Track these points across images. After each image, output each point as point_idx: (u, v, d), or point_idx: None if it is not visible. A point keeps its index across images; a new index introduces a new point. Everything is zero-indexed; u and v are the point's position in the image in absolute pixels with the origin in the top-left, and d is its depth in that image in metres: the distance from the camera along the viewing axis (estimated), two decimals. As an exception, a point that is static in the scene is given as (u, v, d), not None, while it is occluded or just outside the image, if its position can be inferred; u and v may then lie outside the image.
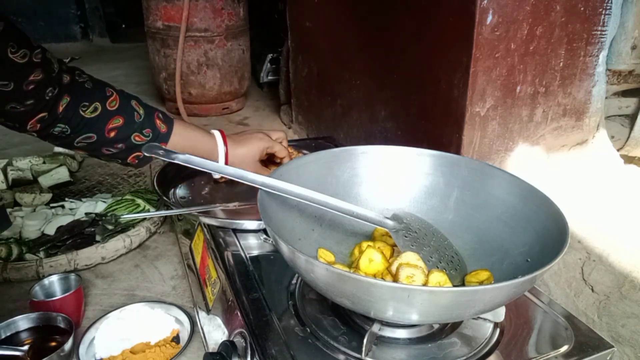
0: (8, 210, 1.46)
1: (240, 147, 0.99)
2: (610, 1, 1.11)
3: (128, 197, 1.49)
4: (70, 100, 0.81)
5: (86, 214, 1.42)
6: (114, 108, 0.86)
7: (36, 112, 0.79)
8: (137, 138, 0.88)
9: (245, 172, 0.76)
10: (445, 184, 0.85)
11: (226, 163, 0.97)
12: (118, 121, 0.86)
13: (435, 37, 1.12)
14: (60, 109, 0.81)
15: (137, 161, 0.92)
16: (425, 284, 0.65)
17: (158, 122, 0.90)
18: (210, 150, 0.96)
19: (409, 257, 0.68)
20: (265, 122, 2.44)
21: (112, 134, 0.86)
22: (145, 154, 0.81)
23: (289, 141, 1.32)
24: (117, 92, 0.88)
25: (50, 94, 0.79)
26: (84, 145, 0.87)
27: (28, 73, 0.75)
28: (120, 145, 0.88)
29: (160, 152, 0.81)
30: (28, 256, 1.26)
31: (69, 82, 0.82)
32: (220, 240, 0.92)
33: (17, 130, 0.83)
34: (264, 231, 0.92)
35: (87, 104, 0.83)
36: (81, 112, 0.83)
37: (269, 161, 1.10)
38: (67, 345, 0.91)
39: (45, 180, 1.65)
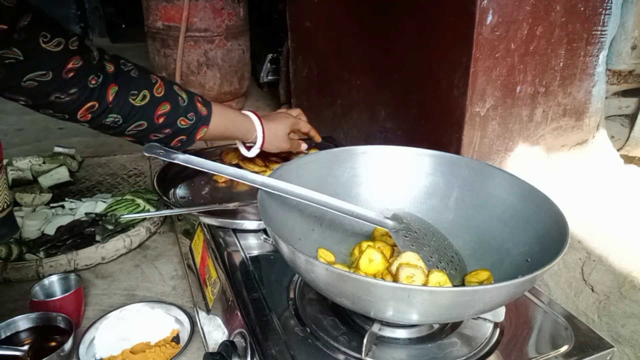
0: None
1: (272, 123, 1.04)
2: (610, 1, 1.11)
3: (128, 197, 1.49)
4: (118, 89, 0.81)
5: (86, 214, 1.42)
6: (161, 95, 0.87)
7: (83, 101, 0.78)
8: (182, 122, 0.90)
9: (245, 172, 0.76)
10: (445, 184, 0.85)
11: (263, 139, 1.02)
12: (165, 107, 0.87)
13: (435, 37, 1.12)
14: (110, 98, 0.81)
15: (180, 144, 0.94)
16: (425, 284, 0.65)
17: (199, 105, 0.92)
18: (248, 127, 1.01)
19: (409, 257, 0.68)
20: (265, 122, 2.44)
21: (161, 120, 0.87)
22: (146, 154, 0.81)
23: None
24: (160, 79, 0.89)
25: (94, 82, 0.78)
26: (134, 133, 0.87)
27: (65, 61, 0.74)
28: (167, 130, 0.89)
29: (160, 152, 0.81)
30: (28, 256, 1.26)
31: (114, 71, 0.82)
32: (220, 240, 0.92)
33: (69, 121, 0.81)
34: (264, 231, 0.92)
35: (135, 92, 0.83)
36: (131, 101, 0.83)
37: (273, 156, 1.15)
38: (67, 345, 0.91)
39: (45, 180, 1.65)
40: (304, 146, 1.15)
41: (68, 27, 0.77)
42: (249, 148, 1.06)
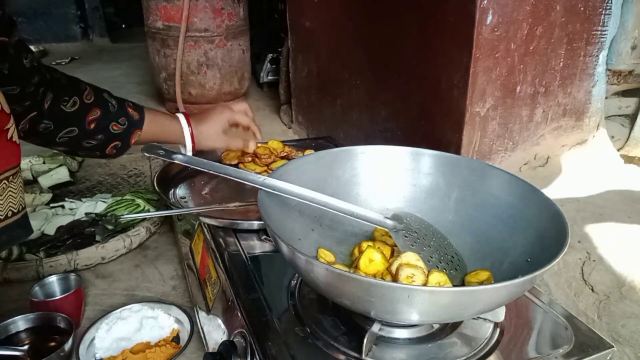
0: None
1: (203, 125, 1.04)
2: (610, 1, 1.11)
3: (128, 197, 1.49)
4: (52, 97, 0.83)
5: (86, 214, 1.42)
6: (91, 101, 0.89)
7: (29, 112, 0.81)
8: (114, 127, 0.91)
9: (245, 172, 0.76)
10: (445, 184, 0.85)
11: (193, 142, 1.03)
12: (96, 113, 0.89)
13: (435, 37, 1.12)
14: (46, 105, 0.83)
15: (115, 151, 0.96)
16: (425, 284, 0.65)
17: (130, 110, 0.94)
18: (178, 131, 1.01)
19: (409, 257, 0.68)
20: (265, 122, 2.44)
21: (92, 126, 0.89)
22: (146, 154, 0.81)
23: (288, 141, 1.33)
24: (89, 86, 0.91)
25: (42, 94, 0.81)
26: (66, 140, 0.89)
27: (32, 77, 0.77)
28: (100, 136, 0.91)
29: (161, 152, 0.81)
30: (28, 256, 1.26)
31: (50, 79, 0.84)
32: (220, 240, 0.92)
33: None
34: (264, 231, 0.92)
35: (67, 98, 0.85)
36: (62, 107, 0.85)
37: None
38: (67, 345, 0.91)
39: (45, 180, 1.65)
40: (251, 145, 1.11)
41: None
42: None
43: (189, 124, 1.02)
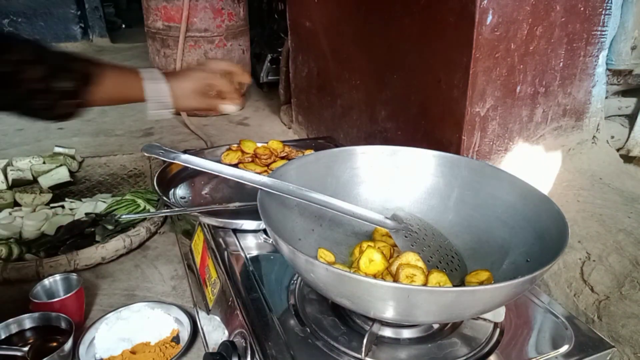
0: (8, 210, 1.46)
1: (177, 80, 0.92)
2: (610, 1, 1.11)
3: (128, 197, 1.49)
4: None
5: (86, 214, 1.42)
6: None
7: None
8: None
9: (245, 172, 0.76)
10: (445, 184, 0.85)
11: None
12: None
13: (435, 37, 1.12)
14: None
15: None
16: (425, 284, 0.65)
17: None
18: (142, 86, 0.89)
19: (409, 257, 0.68)
20: (266, 122, 2.44)
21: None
22: (146, 154, 0.81)
23: (288, 141, 1.32)
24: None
25: None
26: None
27: None
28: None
29: (161, 152, 0.81)
30: (28, 256, 1.26)
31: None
32: (220, 240, 0.92)
33: None
34: (264, 231, 0.92)
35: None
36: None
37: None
38: (67, 346, 0.91)
39: (45, 180, 1.65)
40: (229, 108, 0.97)
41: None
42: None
43: (165, 77, 0.90)
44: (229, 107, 0.97)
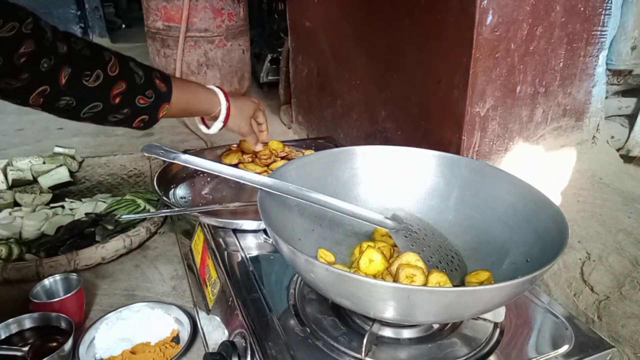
0: (8, 210, 1.46)
1: (238, 101, 1.04)
2: (610, 1, 1.11)
3: (128, 197, 1.49)
4: (71, 71, 0.77)
5: (86, 214, 1.42)
6: (115, 73, 0.83)
7: (35, 85, 0.74)
8: (141, 101, 0.86)
9: (245, 172, 0.76)
10: (445, 184, 0.85)
11: (227, 114, 1.01)
12: (121, 86, 0.83)
13: (435, 37, 1.12)
14: (63, 80, 0.76)
15: (142, 124, 0.91)
16: (425, 284, 0.65)
17: (157, 81, 0.89)
18: (212, 101, 0.99)
19: (409, 257, 0.69)
20: (265, 122, 2.44)
21: (117, 100, 0.84)
22: (146, 154, 0.81)
23: (288, 141, 1.33)
24: (114, 56, 0.85)
25: (46, 65, 0.74)
26: (91, 115, 0.84)
27: (17, 46, 0.69)
28: (126, 111, 0.86)
29: (161, 152, 0.81)
30: (28, 256, 1.26)
31: (67, 51, 0.77)
32: (220, 240, 0.92)
33: (22, 105, 0.78)
34: (264, 231, 0.92)
35: (89, 72, 0.79)
36: (84, 82, 0.79)
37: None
38: (67, 346, 0.91)
39: (45, 180, 1.65)
40: (259, 146, 1.13)
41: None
42: (209, 127, 1.05)
43: (227, 97, 1.01)
44: (259, 145, 1.13)
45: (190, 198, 1.09)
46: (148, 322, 1.02)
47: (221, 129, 1.04)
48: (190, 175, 1.16)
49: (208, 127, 1.06)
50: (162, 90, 0.89)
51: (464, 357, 0.63)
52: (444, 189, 0.85)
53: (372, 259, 0.71)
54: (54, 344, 0.95)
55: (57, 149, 1.87)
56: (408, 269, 0.66)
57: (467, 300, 0.55)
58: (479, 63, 1.02)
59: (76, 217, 1.42)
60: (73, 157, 1.84)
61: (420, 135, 1.25)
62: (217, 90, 1.01)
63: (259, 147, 1.13)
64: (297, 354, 0.63)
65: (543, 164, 1.20)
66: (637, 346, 0.85)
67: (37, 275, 1.18)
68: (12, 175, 1.67)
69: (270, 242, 0.90)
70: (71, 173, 1.75)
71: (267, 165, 1.19)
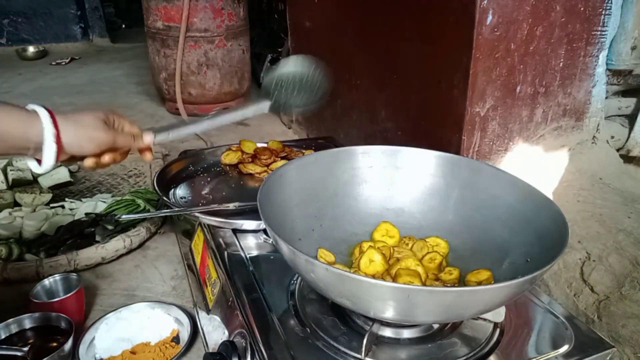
0: (8, 210, 1.46)
1: (75, 114, 0.75)
2: (610, 1, 1.11)
3: (128, 197, 1.49)
4: None
5: (86, 214, 1.42)
6: None
7: None
8: None
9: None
10: (446, 184, 0.85)
11: (59, 147, 0.70)
12: None
13: (435, 37, 1.12)
14: None
15: None
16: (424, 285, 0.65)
17: None
18: (27, 127, 0.67)
19: (408, 262, 0.69)
20: (266, 122, 2.44)
21: None
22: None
23: (288, 141, 1.33)
24: None
25: None
26: None
27: None
28: None
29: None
30: (28, 256, 1.26)
31: None
32: (220, 240, 0.92)
33: None
34: (264, 231, 0.92)
35: None
36: None
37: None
38: (67, 346, 0.91)
39: (45, 181, 1.65)
40: (147, 138, 0.84)
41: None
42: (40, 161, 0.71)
43: (54, 120, 0.69)
44: (147, 137, 0.86)
45: (190, 198, 1.09)
46: (148, 322, 1.02)
47: (58, 158, 0.72)
48: (190, 175, 1.16)
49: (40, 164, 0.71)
50: None
51: (464, 357, 0.63)
52: (444, 189, 0.85)
53: (372, 259, 0.71)
54: (54, 344, 0.95)
55: (57, 149, 1.86)
56: (406, 277, 0.66)
57: (467, 300, 0.55)
58: (479, 63, 1.02)
59: (76, 217, 1.42)
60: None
61: (420, 135, 1.25)
62: (40, 110, 0.68)
63: (149, 157, 0.88)
64: (297, 354, 0.63)
65: (543, 164, 1.20)
66: (637, 346, 0.85)
67: (37, 275, 1.18)
68: (12, 175, 1.67)
69: (270, 242, 0.90)
70: (71, 173, 1.75)
71: (267, 165, 1.19)
